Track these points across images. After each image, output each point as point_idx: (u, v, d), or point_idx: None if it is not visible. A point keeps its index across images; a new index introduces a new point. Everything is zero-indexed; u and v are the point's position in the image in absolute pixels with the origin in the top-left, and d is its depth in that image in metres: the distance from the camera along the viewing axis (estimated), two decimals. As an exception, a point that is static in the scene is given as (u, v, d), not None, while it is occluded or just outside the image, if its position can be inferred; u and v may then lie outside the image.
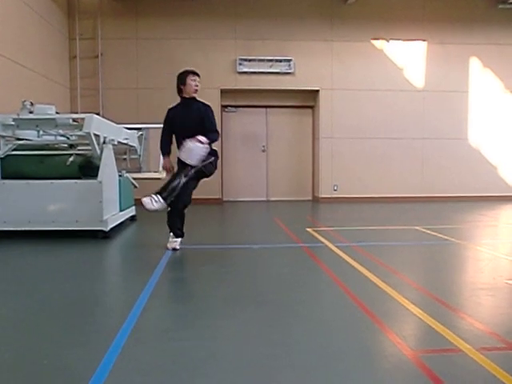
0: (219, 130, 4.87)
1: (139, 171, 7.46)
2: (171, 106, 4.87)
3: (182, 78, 4.69)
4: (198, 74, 4.72)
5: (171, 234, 4.81)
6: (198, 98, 4.77)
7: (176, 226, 4.79)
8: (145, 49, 10.03)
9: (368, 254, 4.49)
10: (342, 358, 2.18)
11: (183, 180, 4.42)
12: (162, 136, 4.86)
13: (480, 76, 10.63)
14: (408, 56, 10.47)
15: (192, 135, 4.45)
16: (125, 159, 7.36)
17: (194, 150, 4.40)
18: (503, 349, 2.28)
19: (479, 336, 2.42)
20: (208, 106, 4.78)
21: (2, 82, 6.88)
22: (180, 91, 4.73)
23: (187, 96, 4.71)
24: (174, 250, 4.73)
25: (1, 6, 6.92)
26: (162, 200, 4.31)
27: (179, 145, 4.59)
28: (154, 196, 4.31)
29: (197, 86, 4.68)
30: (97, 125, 5.32)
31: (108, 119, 6.19)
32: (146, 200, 4.28)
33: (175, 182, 4.40)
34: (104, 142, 5.57)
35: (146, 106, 9.92)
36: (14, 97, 6.61)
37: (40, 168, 5.63)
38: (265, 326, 2.60)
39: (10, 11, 7.19)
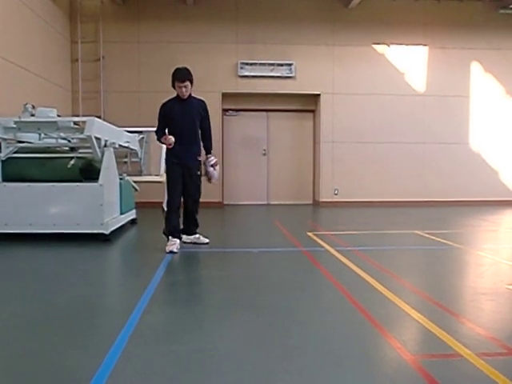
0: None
1: (140, 174, 7.46)
2: (166, 101, 4.92)
3: (172, 81, 4.78)
4: (186, 80, 4.70)
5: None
6: (193, 94, 4.88)
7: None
8: (146, 52, 10.05)
9: (368, 259, 4.48)
10: (342, 362, 2.18)
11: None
12: (158, 131, 4.87)
13: (481, 81, 10.63)
14: (409, 60, 10.47)
15: (189, 133, 4.75)
16: (126, 162, 7.36)
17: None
18: (504, 354, 2.28)
19: (480, 341, 2.42)
20: (205, 103, 4.93)
21: (4, 85, 6.90)
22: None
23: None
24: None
25: (3, 9, 6.94)
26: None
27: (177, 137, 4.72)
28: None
29: (186, 91, 4.74)
30: (98, 128, 5.33)
31: (109, 122, 6.21)
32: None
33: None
34: (105, 145, 5.58)
35: (148, 109, 9.89)
36: (16, 99, 6.63)
37: (41, 171, 5.63)
38: (264, 330, 2.60)
39: (12, 14, 7.22)
